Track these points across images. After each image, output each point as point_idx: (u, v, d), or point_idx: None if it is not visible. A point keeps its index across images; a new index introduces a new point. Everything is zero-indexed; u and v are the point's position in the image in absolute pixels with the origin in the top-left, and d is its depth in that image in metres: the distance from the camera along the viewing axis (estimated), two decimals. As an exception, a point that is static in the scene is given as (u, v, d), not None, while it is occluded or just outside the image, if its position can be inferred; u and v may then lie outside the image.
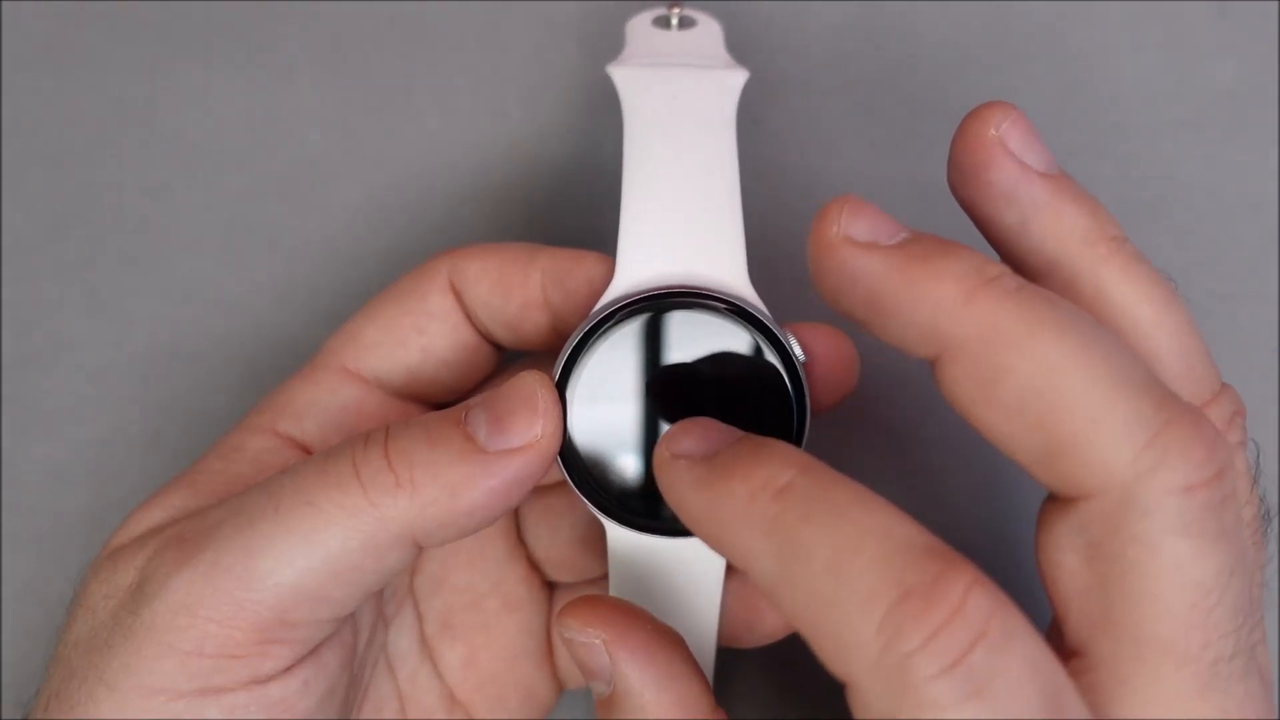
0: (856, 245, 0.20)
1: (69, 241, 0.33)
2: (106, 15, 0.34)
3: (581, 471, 0.23)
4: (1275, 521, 0.23)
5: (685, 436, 0.21)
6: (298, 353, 0.31)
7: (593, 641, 0.21)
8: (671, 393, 0.23)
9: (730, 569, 0.25)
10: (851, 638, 0.17)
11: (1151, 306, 0.21)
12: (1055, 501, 0.20)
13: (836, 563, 0.17)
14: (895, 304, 0.19)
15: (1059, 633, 0.20)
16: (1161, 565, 0.18)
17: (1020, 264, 0.22)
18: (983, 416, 0.19)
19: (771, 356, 0.23)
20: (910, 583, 0.17)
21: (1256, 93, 0.33)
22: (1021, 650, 0.17)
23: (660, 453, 0.21)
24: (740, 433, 0.21)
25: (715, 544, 0.20)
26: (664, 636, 0.21)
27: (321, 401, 0.26)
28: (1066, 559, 0.19)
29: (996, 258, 0.22)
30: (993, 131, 0.21)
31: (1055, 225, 0.21)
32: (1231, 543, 0.18)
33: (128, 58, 0.33)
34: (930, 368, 0.20)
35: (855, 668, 0.17)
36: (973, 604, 0.17)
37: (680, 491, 0.20)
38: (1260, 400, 0.32)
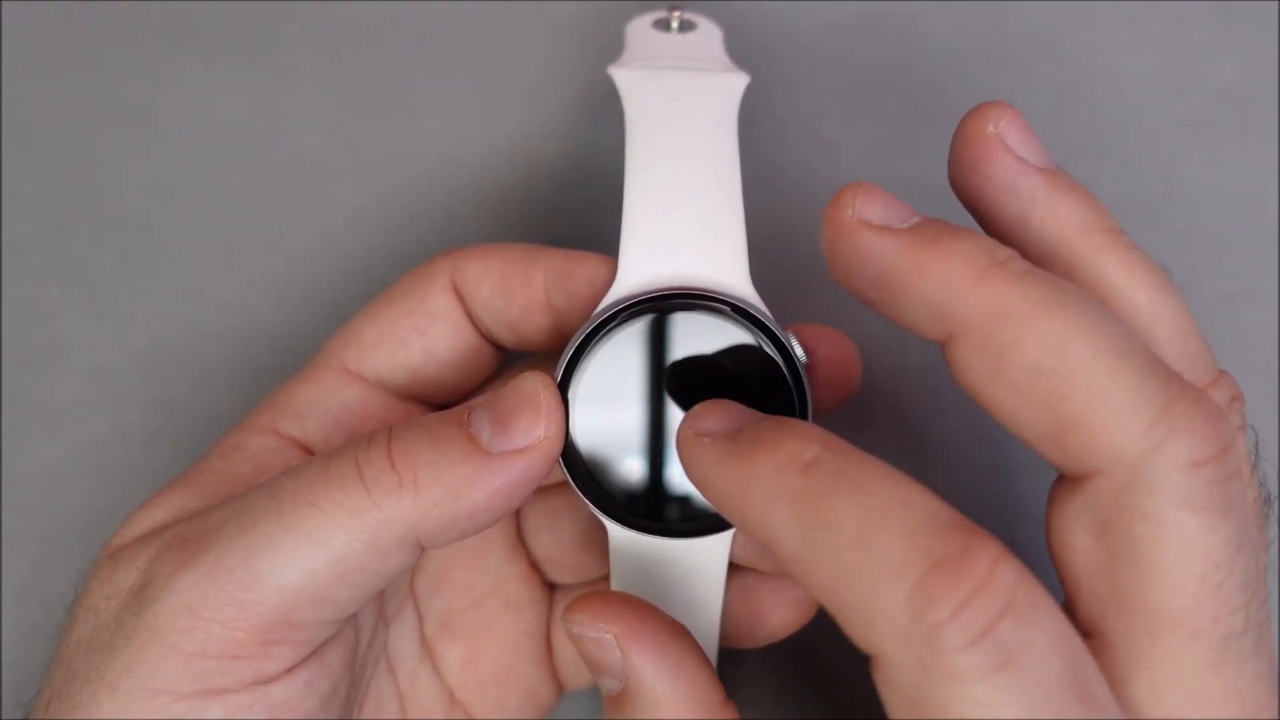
0: (870, 227, 0.20)
1: (69, 241, 0.33)
2: (106, 15, 0.33)
3: (583, 472, 0.23)
4: (1275, 506, 0.23)
5: (708, 415, 0.21)
6: (298, 353, 0.31)
7: (603, 636, 0.21)
8: (673, 394, 0.23)
9: (732, 569, 0.25)
10: (879, 608, 0.17)
11: (1148, 292, 0.22)
12: (1064, 481, 0.20)
13: (864, 534, 0.18)
14: (908, 283, 0.20)
15: (1071, 615, 0.20)
16: (1170, 540, 0.18)
17: (1020, 254, 0.22)
18: (992, 395, 0.19)
19: (773, 358, 0.23)
20: (938, 554, 0.17)
21: (1256, 93, 0.33)
22: (1047, 623, 0.17)
23: (683, 431, 0.21)
24: (760, 414, 0.21)
25: (739, 518, 0.20)
26: (675, 629, 0.22)
27: (322, 401, 0.26)
28: (1077, 538, 0.20)
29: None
30: (991, 128, 0.22)
31: (1053, 216, 0.22)
32: (1238, 518, 0.19)
33: (128, 58, 0.33)
34: (941, 352, 0.20)
35: (883, 638, 0.17)
36: (1000, 576, 0.17)
37: (704, 467, 0.20)
38: (1260, 400, 0.32)
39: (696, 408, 0.21)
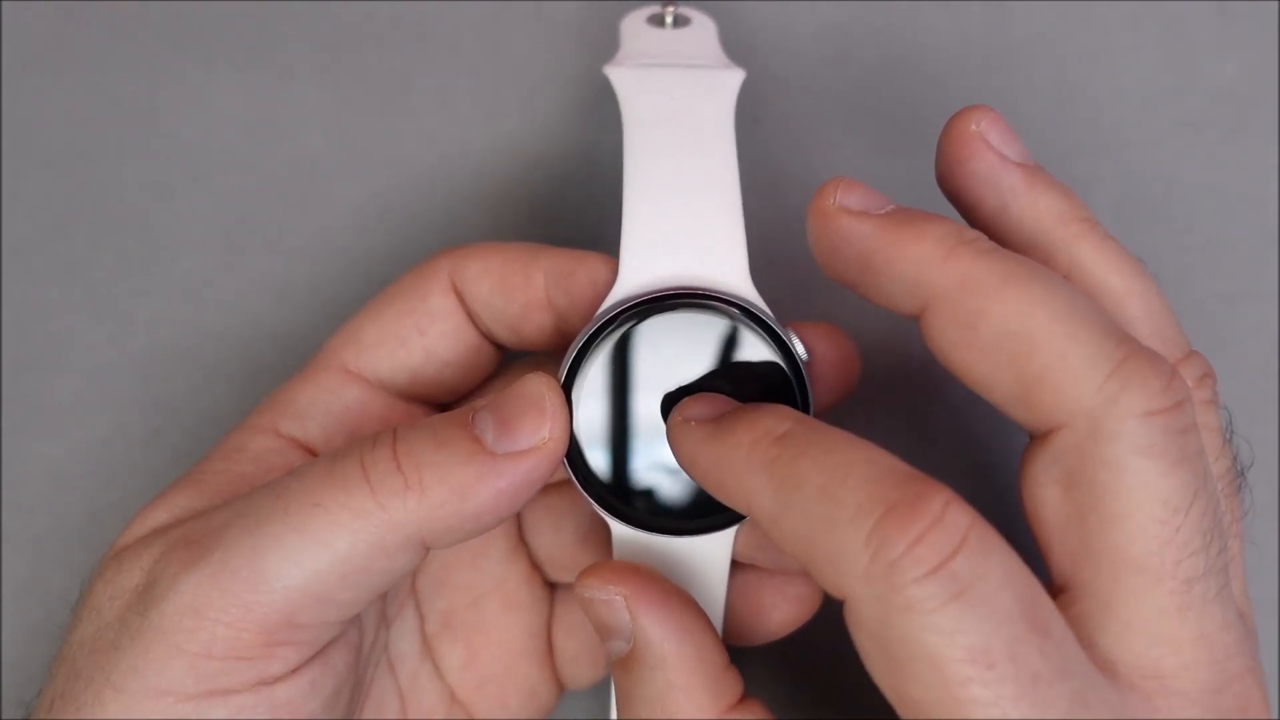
0: (850, 213, 0.22)
1: (69, 241, 0.33)
2: (106, 15, 0.33)
3: (587, 472, 0.23)
4: (1247, 481, 0.24)
5: (695, 404, 0.23)
6: (298, 352, 0.31)
7: (612, 598, 0.22)
8: (676, 393, 0.23)
9: (734, 567, 0.25)
10: (843, 552, 0.19)
11: (1121, 276, 0.23)
12: (1033, 442, 0.21)
13: (828, 488, 0.19)
14: (884, 262, 0.22)
15: (1046, 573, 0.21)
16: (1129, 484, 0.20)
17: (1001, 244, 0.23)
18: (962, 359, 0.21)
19: (774, 355, 0.23)
20: (893, 498, 0.18)
21: (1256, 93, 0.33)
22: (999, 560, 0.18)
23: (673, 419, 0.23)
24: (743, 404, 0.22)
25: (720, 489, 0.21)
26: (681, 595, 0.23)
27: (323, 402, 0.26)
28: (1046, 493, 0.21)
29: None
30: (974, 127, 0.24)
31: (1032, 208, 0.23)
32: (1194, 466, 0.20)
33: (128, 58, 0.33)
34: (918, 328, 0.22)
35: (847, 579, 0.19)
36: (951, 516, 0.18)
37: (689, 446, 0.22)
38: (1260, 400, 0.32)
39: (684, 399, 0.23)
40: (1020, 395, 0.20)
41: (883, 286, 0.22)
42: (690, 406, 0.23)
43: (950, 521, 0.18)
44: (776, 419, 0.21)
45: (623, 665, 0.22)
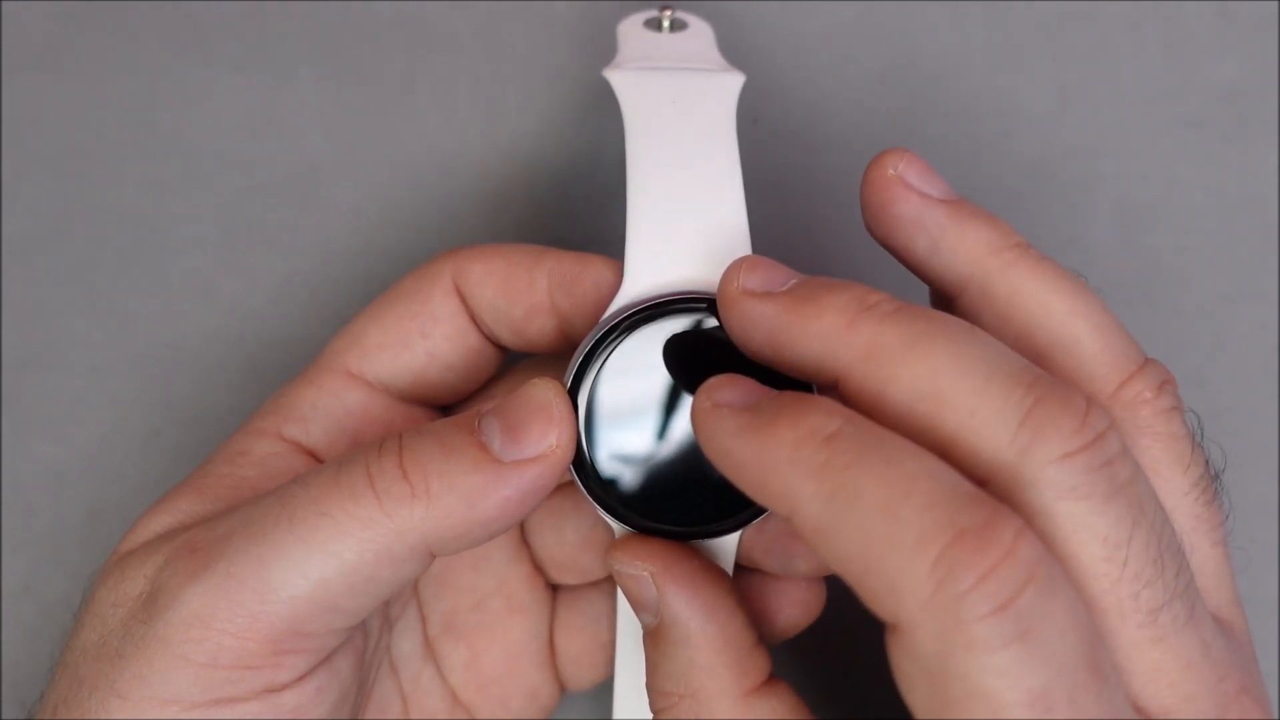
0: (753, 295, 0.22)
1: (69, 241, 0.33)
2: (106, 15, 0.33)
3: (593, 477, 0.23)
4: (1223, 484, 0.23)
5: (726, 387, 0.21)
6: (298, 353, 0.31)
7: (641, 573, 0.22)
8: (682, 397, 0.23)
9: (738, 570, 0.25)
10: (903, 578, 0.18)
11: (1062, 296, 0.23)
12: None
13: (889, 504, 0.18)
14: (790, 340, 0.21)
15: None
16: (1064, 530, 0.19)
17: (939, 283, 0.23)
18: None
19: None
20: (963, 524, 0.17)
21: (1256, 93, 0.33)
22: (1064, 599, 0.18)
23: (700, 403, 0.21)
24: (775, 390, 0.21)
25: (758, 489, 0.20)
26: (711, 572, 0.22)
27: (325, 405, 0.26)
28: None
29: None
30: (892, 171, 0.23)
31: (961, 242, 0.23)
32: (1127, 496, 0.19)
33: (128, 58, 0.33)
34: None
35: (905, 607, 0.18)
36: (1022, 549, 0.17)
37: (722, 437, 0.20)
38: (1260, 400, 0.32)
39: (711, 380, 0.21)
40: (944, 458, 0.19)
41: (795, 363, 0.21)
42: (721, 389, 0.21)
43: (1021, 554, 0.17)
44: (824, 415, 0.20)
45: (651, 637, 0.23)
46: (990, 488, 0.19)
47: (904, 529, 0.18)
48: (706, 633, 0.22)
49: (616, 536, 0.24)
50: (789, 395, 0.20)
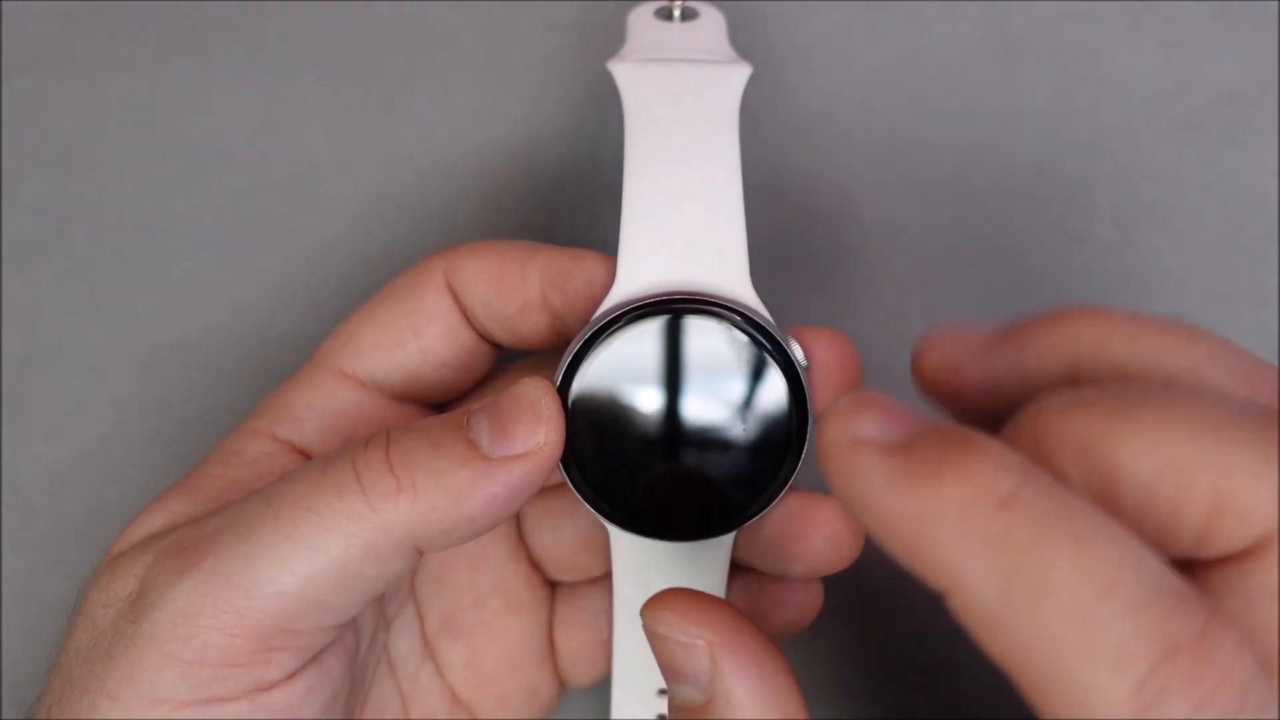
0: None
1: (69, 241, 0.33)
2: (106, 15, 0.33)
3: (583, 475, 0.23)
4: None
5: (867, 416, 0.17)
6: (297, 352, 0.31)
7: (694, 642, 0.20)
8: (673, 398, 0.23)
9: (733, 570, 0.25)
10: (1098, 694, 0.15)
11: (1178, 352, 0.19)
12: None
13: (1085, 603, 0.15)
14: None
15: None
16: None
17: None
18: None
19: (774, 362, 0.23)
20: (1175, 637, 0.15)
21: (1256, 93, 0.33)
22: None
23: (835, 437, 0.17)
24: (926, 414, 0.18)
25: (910, 554, 0.16)
26: (770, 647, 0.20)
27: (319, 405, 0.26)
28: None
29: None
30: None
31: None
32: None
33: (128, 58, 0.33)
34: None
35: None
36: (1240, 666, 0.15)
37: (866, 487, 0.17)
38: (1260, 400, 0.32)
39: (845, 403, 0.18)
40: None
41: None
42: (860, 418, 0.17)
43: (1239, 674, 0.15)
44: (998, 470, 0.16)
45: (689, 713, 0.20)
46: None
47: (1103, 637, 0.15)
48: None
49: (612, 536, 0.24)
50: (949, 434, 0.17)
